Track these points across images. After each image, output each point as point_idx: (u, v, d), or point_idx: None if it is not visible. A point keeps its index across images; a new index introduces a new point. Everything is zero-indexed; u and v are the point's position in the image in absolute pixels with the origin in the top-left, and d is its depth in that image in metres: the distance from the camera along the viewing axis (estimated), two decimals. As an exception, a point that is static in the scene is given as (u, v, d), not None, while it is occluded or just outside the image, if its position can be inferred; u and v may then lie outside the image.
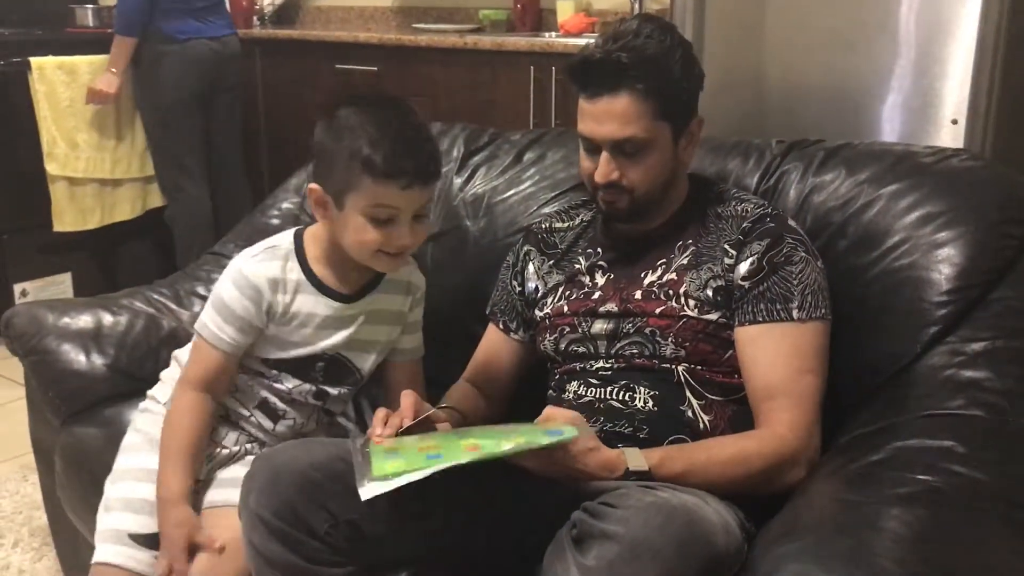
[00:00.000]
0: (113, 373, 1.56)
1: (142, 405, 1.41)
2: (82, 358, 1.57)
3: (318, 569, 1.08)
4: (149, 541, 1.25)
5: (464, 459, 1.02)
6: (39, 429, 1.68)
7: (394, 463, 1.04)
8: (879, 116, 1.99)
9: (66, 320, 1.60)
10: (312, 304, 1.28)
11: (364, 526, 1.09)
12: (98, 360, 1.57)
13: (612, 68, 1.21)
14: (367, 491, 1.01)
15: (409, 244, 1.22)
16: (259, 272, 1.27)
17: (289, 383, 1.31)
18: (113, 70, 2.84)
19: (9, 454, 2.27)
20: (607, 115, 1.22)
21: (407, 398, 1.18)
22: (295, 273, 1.28)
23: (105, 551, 1.26)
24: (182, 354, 1.41)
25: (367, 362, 1.34)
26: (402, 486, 1.01)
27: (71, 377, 1.55)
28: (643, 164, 1.24)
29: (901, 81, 1.95)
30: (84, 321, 1.61)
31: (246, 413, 1.33)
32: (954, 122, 1.89)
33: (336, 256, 1.28)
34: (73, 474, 1.53)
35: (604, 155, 1.24)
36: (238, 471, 1.29)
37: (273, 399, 1.32)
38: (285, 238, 1.32)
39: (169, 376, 1.41)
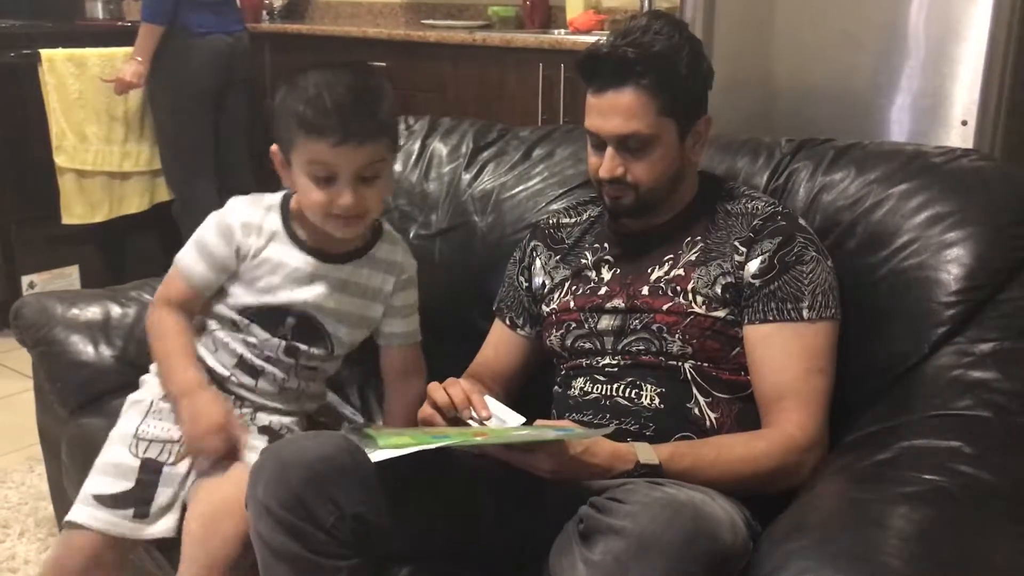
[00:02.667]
0: (121, 365, 1.57)
1: (141, 377, 1.43)
2: (90, 349, 1.57)
3: (324, 561, 1.08)
4: (110, 501, 1.28)
5: (472, 441, 1.02)
6: (46, 420, 1.68)
7: (400, 439, 1.06)
8: (888, 117, 1.99)
9: (75, 311, 1.61)
10: (284, 254, 1.32)
11: (370, 519, 1.09)
12: (106, 351, 1.58)
13: (618, 63, 1.22)
14: (377, 455, 1.03)
15: (351, 204, 1.23)
16: (236, 215, 1.33)
17: (260, 335, 1.33)
18: (139, 58, 2.82)
19: (15, 445, 2.28)
20: (612, 109, 1.23)
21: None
22: (274, 224, 1.34)
23: (73, 511, 1.29)
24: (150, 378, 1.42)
25: (339, 331, 1.36)
26: (413, 453, 1.03)
27: (79, 368, 1.56)
28: (647, 160, 1.24)
29: (910, 81, 1.95)
30: (92, 312, 1.62)
31: (227, 373, 1.35)
32: (964, 123, 1.89)
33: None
34: (79, 465, 1.52)
35: (609, 150, 1.25)
36: None
37: (249, 355, 1.34)
38: (278, 194, 1.38)
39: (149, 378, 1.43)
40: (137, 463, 1.30)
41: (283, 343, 1.34)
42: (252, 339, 1.34)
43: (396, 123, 1.33)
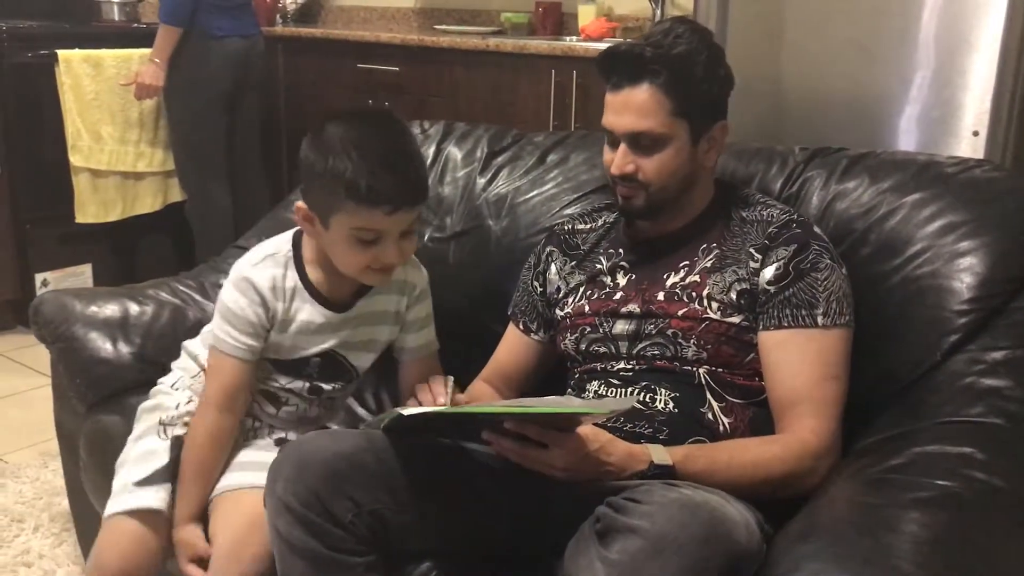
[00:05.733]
0: (139, 362, 1.58)
1: (152, 391, 1.45)
2: (109, 346, 1.59)
3: (341, 557, 1.09)
4: (148, 480, 1.31)
5: (495, 409, 1.05)
6: (64, 416, 1.70)
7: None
8: (898, 127, 2.00)
9: (93, 309, 1.63)
10: (308, 312, 1.30)
11: (387, 516, 1.11)
12: (124, 349, 1.60)
13: (635, 60, 1.24)
14: (407, 411, 1.07)
15: (396, 262, 1.23)
16: (262, 278, 1.28)
17: (283, 380, 1.35)
18: (157, 60, 2.84)
19: (29, 441, 2.30)
20: (626, 107, 1.25)
21: (437, 383, 1.24)
22: (292, 280, 1.30)
23: (112, 504, 1.31)
24: (192, 345, 1.45)
25: (364, 360, 1.37)
26: (439, 415, 1.08)
27: (98, 365, 1.58)
28: (658, 159, 1.26)
29: (921, 92, 1.96)
30: (111, 310, 1.63)
31: (249, 399, 1.36)
32: (975, 134, 1.90)
33: (329, 263, 1.28)
34: (97, 461, 1.54)
35: (621, 147, 1.27)
36: (249, 455, 1.34)
37: (273, 389, 1.36)
38: (284, 244, 1.33)
39: (179, 366, 1.46)
40: (167, 443, 1.34)
41: (307, 384, 1.35)
42: (275, 383, 1.35)
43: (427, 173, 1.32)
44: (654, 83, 1.23)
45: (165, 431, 1.36)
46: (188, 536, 1.27)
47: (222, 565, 1.23)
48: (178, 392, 1.41)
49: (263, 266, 1.30)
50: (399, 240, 1.22)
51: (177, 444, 1.33)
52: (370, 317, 1.35)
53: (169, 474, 1.32)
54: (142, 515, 1.29)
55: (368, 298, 1.34)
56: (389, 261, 1.22)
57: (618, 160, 1.27)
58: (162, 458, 1.33)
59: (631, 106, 1.25)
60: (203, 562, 1.27)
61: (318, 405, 1.39)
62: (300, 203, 1.25)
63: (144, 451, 1.34)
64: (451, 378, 1.29)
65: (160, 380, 1.45)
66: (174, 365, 1.47)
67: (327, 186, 1.18)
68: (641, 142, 1.25)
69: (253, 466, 1.31)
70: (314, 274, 1.31)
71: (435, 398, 1.25)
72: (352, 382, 1.39)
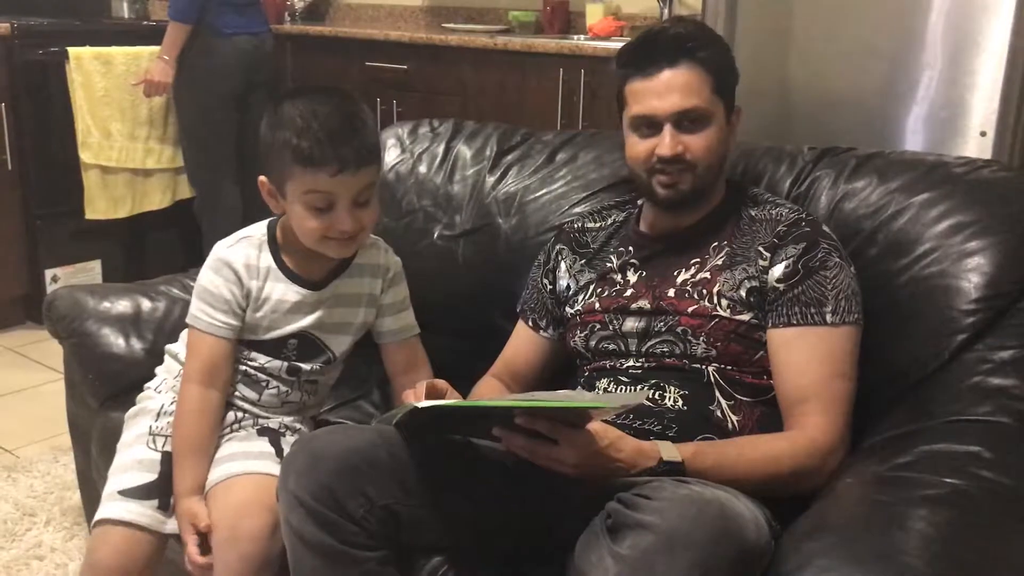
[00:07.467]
0: (151, 357, 1.59)
1: (138, 396, 1.46)
2: (121, 342, 1.61)
3: (353, 551, 1.10)
4: (135, 492, 1.32)
5: (506, 402, 1.06)
6: (77, 411, 1.71)
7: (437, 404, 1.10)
8: (905, 126, 2.01)
9: (106, 304, 1.64)
10: (282, 290, 1.35)
11: (399, 511, 1.12)
12: (137, 344, 1.61)
13: (674, 41, 1.26)
14: (422, 404, 1.07)
15: (350, 230, 1.26)
16: (236, 258, 1.34)
17: (262, 359, 1.37)
18: (166, 57, 2.85)
19: (40, 435, 2.31)
20: (669, 87, 1.25)
21: (422, 386, 1.23)
22: (266, 260, 1.35)
23: (101, 511, 1.32)
24: (173, 347, 1.47)
25: (340, 343, 1.40)
26: (453, 408, 1.09)
27: (110, 360, 1.60)
28: (704, 136, 1.27)
29: (929, 92, 1.96)
30: (123, 306, 1.65)
31: (230, 388, 1.37)
32: (983, 134, 1.90)
33: (301, 245, 1.33)
34: (108, 456, 1.54)
35: (667, 129, 1.26)
36: (232, 447, 1.36)
37: (253, 371, 1.38)
38: (259, 228, 1.39)
39: (162, 370, 1.48)
40: (158, 456, 1.35)
41: (285, 364, 1.37)
42: (253, 363, 1.37)
43: (380, 145, 1.37)
44: (696, 59, 1.25)
45: (155, 442, 1.36)
46: (190, 508, 1.28)
47: (222, 548, 1.25)
48: (161, 395, 1.43)
49: (238, 247, 1.36)
50: (353, 209, 1.25)
51: (168, 461, 1.33)
52: (344, 299, 1.38)
53: (157, 490, 1.32)
54: (129, 524, 1.30)
55: (343, 279, 1.38)
56: (342, 228, 1.26)
57: (668, 142, 1.26)
58: (151, 472, 1.33)
59: (675, 86, 1.25)
60: (205, 543, 1.27)
61: (299, 388, 1.40)
62: (262, 177, 1.31)
63: (133, 459, 1.35)
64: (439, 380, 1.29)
65: (145, 385, 1.47)
66: (158, 370, 1.49)
67: (278, 155, 1.24)
68: (686, 121, 1.26)
69: (238, 456, 1.33)
70: (288, 257, 1.36)
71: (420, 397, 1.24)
72: (331, 364, 1.41)
